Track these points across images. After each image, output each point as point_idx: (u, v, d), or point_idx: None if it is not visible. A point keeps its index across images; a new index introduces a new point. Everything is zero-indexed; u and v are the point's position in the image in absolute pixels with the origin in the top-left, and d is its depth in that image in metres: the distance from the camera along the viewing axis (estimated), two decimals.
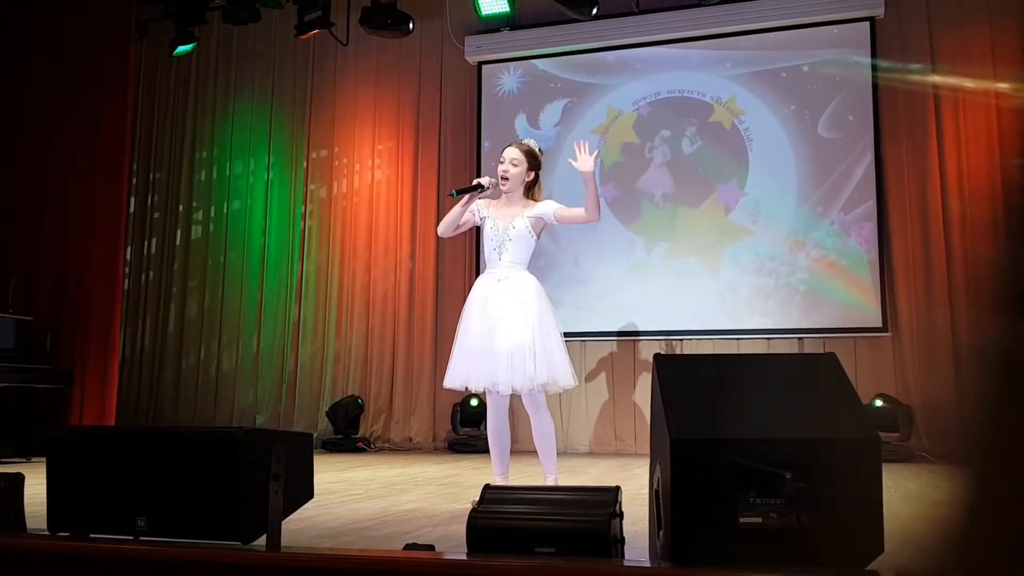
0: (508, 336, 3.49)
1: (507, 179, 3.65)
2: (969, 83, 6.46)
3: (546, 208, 3.66)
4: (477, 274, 7.41)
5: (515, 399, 3.72)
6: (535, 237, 3.68)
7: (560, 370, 3.53)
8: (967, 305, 6.23)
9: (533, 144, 3.76)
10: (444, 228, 3.73)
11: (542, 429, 3.61)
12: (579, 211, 3.61)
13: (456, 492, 4.15)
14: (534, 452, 3.77)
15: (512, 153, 3.68)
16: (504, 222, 3.67)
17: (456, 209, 3.69)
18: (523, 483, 4.05)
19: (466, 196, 3.67)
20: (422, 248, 7.75)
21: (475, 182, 3.68)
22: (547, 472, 3.64)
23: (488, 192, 3.71)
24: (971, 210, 6.38)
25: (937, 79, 6.57)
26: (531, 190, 3.73)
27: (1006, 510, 0.48)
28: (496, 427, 3.67)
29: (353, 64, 8.11)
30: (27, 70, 7.00)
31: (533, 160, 3.70)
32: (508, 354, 3.47)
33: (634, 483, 4.32)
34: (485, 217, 3.72)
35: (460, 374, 3.59)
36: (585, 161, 3.59)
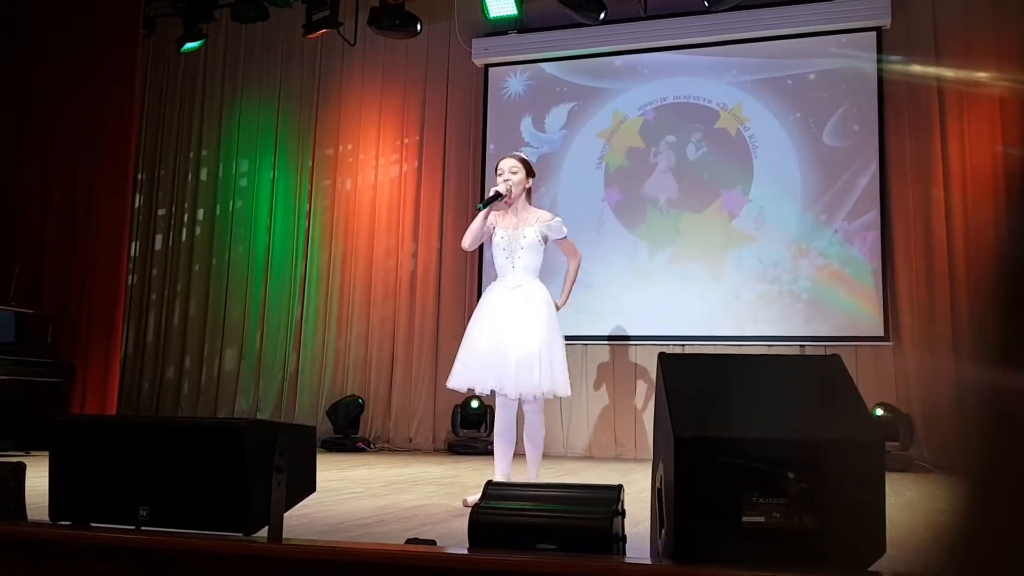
0: (519, 343, 3.66)
1: (511, 185, 3.85)
2: (975, 90, 6.46)
3: (556, 232, 3.88)
4: (479, 274, 7.49)
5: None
6: (544, 245, 3.89)
7: (560, 381, 3.72)
8: (969, 315, 6.23)
9: (524, 154, 4.02)
10: (471, 242, 3.91)
11: (534, 431, 3.79)
12: (570, 263, 4.06)
13: (457, 492, 4.14)
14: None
15: (509, 163, 3.89)
16: (514, 231, 3.86)
17: (478, 221, 3.87)
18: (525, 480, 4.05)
19: (489, 207, 3.85)
20: (424, 249, 7.76)
21: (493, 192, 3.86)
22: (530, 469, 3.80)
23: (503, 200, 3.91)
24: (975, 219, 6.38)
25: (945, 74, 6.58)
26: (530, 196, 3.97)
27: (1002, 515, 0.49)
28: (503, 427, 3.80)
29: (360, 64, 8.12)
30: (34, 64, 7.02)
31: (528, 167, 3.93)
32: (517, 361, 3.64)
33: (634, 487, 4.32)
34: (495, 227, 3.90)
35: (464, 376, 3.75)
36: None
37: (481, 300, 3.90)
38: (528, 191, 3.94)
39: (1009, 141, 6.14)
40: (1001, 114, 6.36)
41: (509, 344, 3.66)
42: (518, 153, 4.00)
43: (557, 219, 3.91)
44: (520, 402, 3.76)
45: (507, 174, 3.85)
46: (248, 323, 8.10)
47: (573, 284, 4.06)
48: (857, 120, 6.89)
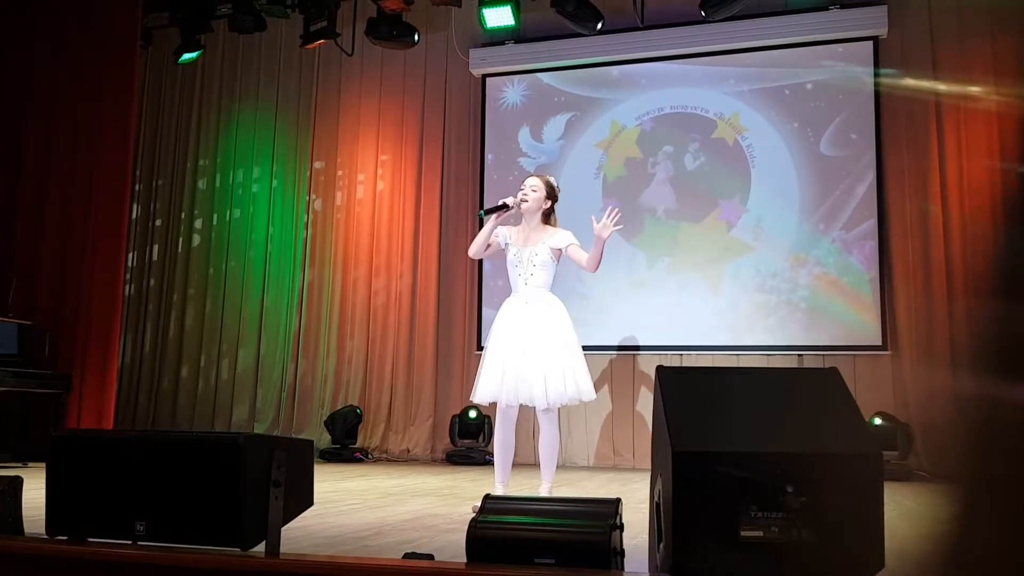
0: (541, 355, 3.78)
1: (527, 201, 3.95)
2: (971, 101, 6.49)
3: (562, 240, 3.95)
4: (479, 286, 7.49)
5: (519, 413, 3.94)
6: (556, 263, 3.98)
7: (584, 386, 3.89)
8: (967, 323, 6.23)
9: (552, 179, 4.08)
10: (475, 250, 4.05)
11: (551, 440, 3.89)
12: (584, 259, 3.93)
13: (454, 503, 4.14)
14: (531, 465, 3.84)
15: (532, 181, 4.01)
16: (527, 248, 3.95)
17: (485, 230, 3.99)
18: (523, 494, 4.06)
19: (494, 216, 3.95)
20: (424, 259, 7.75)
21: (500, 202, 3.97)
22: (544, 479, 3.85)
23: (512, 213, 3.98)
24: (972, 228, 6.39)
25: (941, 87, 6.61)
26: (548, 217, 4.04)
27: (995, 522, 0.49)
28: (504, 438, 3.88)
29: (358, 75, 8.13)
30: (32, 76, 7.01)
31: (551, 190, 4.02)
32: (542, 370, 3.77)
33: (633, 497, 4.31)
34: (508, 244, 4.00)
35: (490, 389, 3.83)
36: (605, 228, 3.84)
37: (496, 317, 3.98)
38: (547, 212, 4.00)
39: (1008, 155, 6.16)
40: (998, 123, 6.37)
41: (532, 356, 3.76)
42: (547, 176, 4.07)
43: (565, 234, 3.97)
44: (536, 411, 3.86)
45: (527, 189, 3.95)
46: (246, 333, 8.09)
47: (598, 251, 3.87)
48: (854, 129, 6.91)
